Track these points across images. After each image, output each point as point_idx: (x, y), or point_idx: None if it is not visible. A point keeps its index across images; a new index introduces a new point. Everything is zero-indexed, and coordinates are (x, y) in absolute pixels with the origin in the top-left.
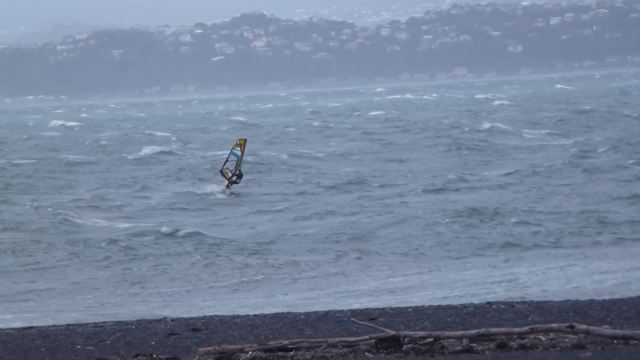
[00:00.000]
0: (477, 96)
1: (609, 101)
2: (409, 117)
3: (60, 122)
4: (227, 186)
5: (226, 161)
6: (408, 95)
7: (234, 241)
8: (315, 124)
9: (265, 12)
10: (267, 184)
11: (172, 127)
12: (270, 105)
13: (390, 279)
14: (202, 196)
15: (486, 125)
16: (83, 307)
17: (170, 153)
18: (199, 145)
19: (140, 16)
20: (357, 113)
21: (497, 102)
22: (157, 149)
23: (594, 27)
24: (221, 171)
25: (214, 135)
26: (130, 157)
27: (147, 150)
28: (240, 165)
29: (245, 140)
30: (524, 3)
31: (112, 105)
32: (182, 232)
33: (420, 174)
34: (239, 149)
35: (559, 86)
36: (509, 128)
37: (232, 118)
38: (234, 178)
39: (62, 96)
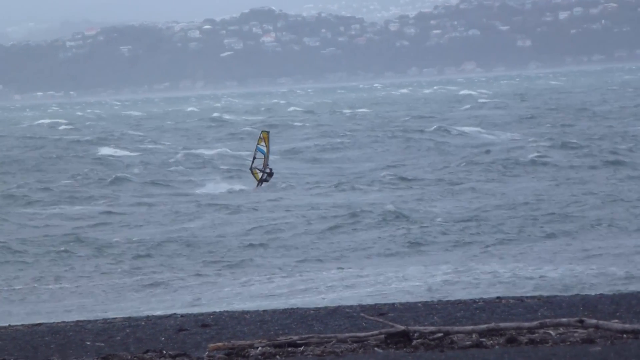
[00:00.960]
0: (462, 92)
1: (592, 98)
2: (381, 114)
3: (47, 120)
4: (258, 186)
5: (254, 159)
6: (403, 91)
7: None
8: (296, 122)
9: (273, 8)
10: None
11: (151, 126)
12: (263, 101)
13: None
14: (145, 197)
15: (437, 125)
16: (85, 304)
17: (121, 157)
18: (165, 145)
19: (149, 12)
20: (343, 110)
21: (481, 100)
22: (114, 151)
23: (603, 22)
24: (250, 169)
25: (185, 133)
26: (87, 157)
27: (106, 151)
28: (267, 162)
29: (268, 132)
30: None
31: (115, 102)
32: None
33: (350, 174)
34: (264, 143)
35: (553, 82)
36: (466, 128)
37: (214, 115)
38: (265, 176)
39: (71, 92)
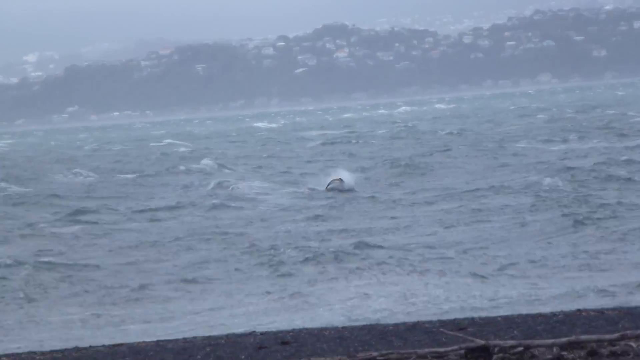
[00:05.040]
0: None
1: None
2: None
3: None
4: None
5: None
6: (439, 106)
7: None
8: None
9: (346, 23)
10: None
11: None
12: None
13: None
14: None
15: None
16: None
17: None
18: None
19: (223, 30)
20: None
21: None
22: None
23: None
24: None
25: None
26: None
27: None
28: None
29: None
30: (607, 7)
31: (180, 120)
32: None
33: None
34: None
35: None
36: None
37: (164, 142)
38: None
39: (147, 112)
